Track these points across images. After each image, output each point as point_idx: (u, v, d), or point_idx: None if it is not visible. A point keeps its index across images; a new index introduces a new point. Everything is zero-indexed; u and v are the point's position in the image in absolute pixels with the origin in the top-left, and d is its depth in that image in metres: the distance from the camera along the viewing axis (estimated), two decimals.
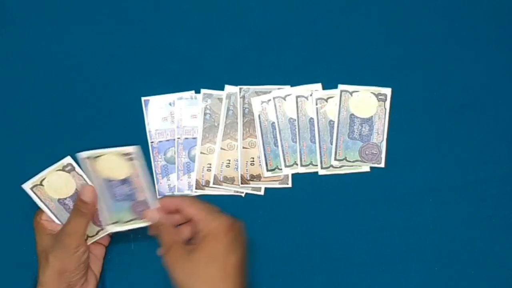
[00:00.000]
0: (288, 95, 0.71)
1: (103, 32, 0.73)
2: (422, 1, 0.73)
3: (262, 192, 0.71)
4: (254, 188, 0.71)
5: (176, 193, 0.71)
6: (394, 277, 0.69)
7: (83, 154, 0.64)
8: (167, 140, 0.71)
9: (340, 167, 0.70)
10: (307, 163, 0.71)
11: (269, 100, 0.71)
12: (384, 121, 0.70)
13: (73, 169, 0.66)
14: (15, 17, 0.74)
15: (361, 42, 0.72)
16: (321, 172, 0.70)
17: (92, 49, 0.73)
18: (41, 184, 0.65)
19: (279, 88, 0.71)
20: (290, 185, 0.71)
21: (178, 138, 0.71)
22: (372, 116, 0.70)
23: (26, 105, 0.73)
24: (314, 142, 0.71)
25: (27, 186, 0.65)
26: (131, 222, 0.66)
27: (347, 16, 0.73)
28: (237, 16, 0.73)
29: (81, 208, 0.64)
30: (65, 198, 0.66)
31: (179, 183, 0.71)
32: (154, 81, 0.72)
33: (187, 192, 0.71)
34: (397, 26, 0.72)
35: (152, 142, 0.71)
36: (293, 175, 0.71)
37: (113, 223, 0.66)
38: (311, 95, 0.71)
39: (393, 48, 0.72)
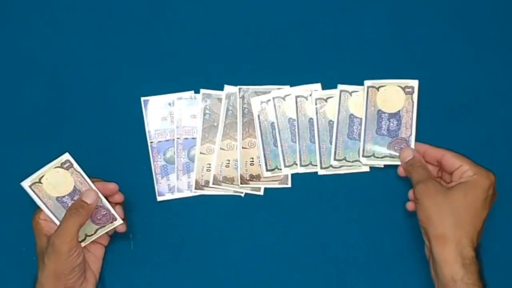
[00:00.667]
0: (288, 95, 0.71)
1: (103, 32, 0.73)
2: (422, 1, 0.72)
3: (261, 192, 0.71)
4: (253, 188, 0.71)
5: (175, 193, 0.71)
6: (394, 277, 0.69)
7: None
8: (167, 140, 0.71)
9: (340, 167, 0.70)
10: (307, 163, 0.70)
11: (269, 100, 0.71)
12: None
13: (71, 166, 0.66)
14: (15, 17, 0.74)
15: (361, 42, 0.72)
16: (321, 172, 0.70)
17: (92, 49, 0.73)
18: (39, 182, 0.65)
19: (278, 88, 0.71)
20: (289, 185, 0.71)
21: (178, 138, 0.71)
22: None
23: (26, 105, 0.73)
24: (314, 142, 0.70)
25: (26, 184, 0.65)
26: (385, 158, 0.68)
27: (347, 16, 0.72)
28: (237, 16, 0.73)
29: (80, 208, 0.64)
30: (64, 196, 0.66)
31: (178, 183, 0.71)
32: (153, 81, 0.72)
33: (186, 192, 0.71)
34: (397, 26, 0.72)
35: (151, 142, 0.71)
36: (292, 175, 0.71)
37: (367, 156, 0.68)
38: (310, 95, 0.71)
39: (393, 48, 0.72)
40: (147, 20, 0.73)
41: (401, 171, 0.68)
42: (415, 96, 0.70)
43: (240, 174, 0.70)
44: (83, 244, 0.65)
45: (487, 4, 0.72)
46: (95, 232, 0.66)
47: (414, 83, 0.70)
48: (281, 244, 0.70)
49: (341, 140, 0.70)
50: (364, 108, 0.70)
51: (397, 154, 0.69)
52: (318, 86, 0.71)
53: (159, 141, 0.71)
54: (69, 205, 0.65)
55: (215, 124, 0.71)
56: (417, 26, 0.72)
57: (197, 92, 0.72)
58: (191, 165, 0.71)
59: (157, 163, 0.71)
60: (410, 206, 0.68)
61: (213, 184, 0.71)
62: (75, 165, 0.66)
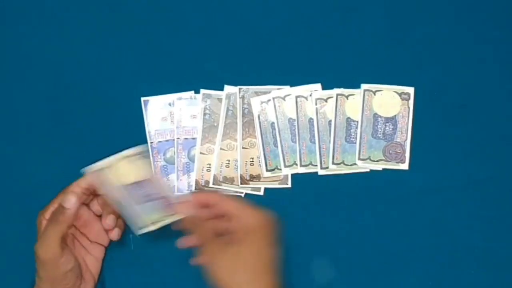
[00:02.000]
0: (288, 95, 0.71)
1: (103, 32, 0.73)
2: (421, 1, 0.72)
3: (261, 192, 0.71)
4: (253, 188, 0.71)
5: (175, 193, 0.71)
6: (394, 277, 0.69)
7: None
8: (167, 140, 0.71)
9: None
10: (307, 163, 0.70)
11: (269, 100, 0.71)
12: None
13: (143, 156, 0.66)
14: (15, 17, 0.74)
15: (360, 42, 0.72)
16: (321, 172, 0.70)
17: (91, 49, 0.73)
18: (105, 169, 0.64)
19: (278, 88, 0.71)
20: (289, 185, 0.71)
21: (178, 138, 0.71)
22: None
23: (26, 105, 0.73)
24: (314, 142, 0.70)
25: (91, 170, 0.64)
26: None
27: (347, 16, 0.72)
28: (237, 16, 0.73)
29: (59, 215, 0.62)
30: (129, 185, 0.65)
31: (178, 183, 0.71)
32: (153, 81, 0.72)
33: (186, 192, 0.71)
34: (397, 26, 0.72)
35: (151, 143, 0.71)
36: (292, 175, 0.71)
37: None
38: (310, 95, 0.71)
39: (393, 48, 0.72)
40: (147, 20, 0.73)
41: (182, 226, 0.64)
42: (411, 102, 0.70)
43: (240, 174, 0.70)
44: (153, 228, 0.64)
45: (486, 5, 0.72)
46: (160, 220, 0.65)
47: (410, 89, 0.70)
48: (281, 244, 0.70)
49: (339, 144, 0.70)
50: (360, 112, 0.70)
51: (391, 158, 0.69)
52: (318, 86, 0.71)
53: (159, 141, 0.71)
54: (135, 196, 0.63)
55: (215, 124, 0.71)
56: (417, 26, 0.72)
57: (197, 92, 0.72)
58: (191, 165, 0.71)
59: (157, 163, 0.71)
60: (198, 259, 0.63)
61: (213, 184, 0.71)
62: (145, 156, 0.66)
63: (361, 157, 0.70)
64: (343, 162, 0.70)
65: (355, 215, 0.70)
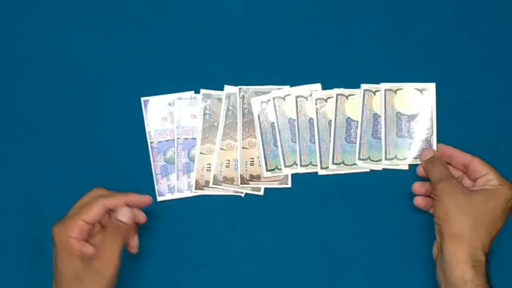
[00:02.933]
0: (288, 95, 0.71)
1: (103, 32, 0.73)
2: (421, 1, 0.72)
3: (261, 192, 0.71)
4: (253, 188, 0.71)
5: (175, 193, 0.71)
6: (394, 277, 0.69)
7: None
8: (167, 140, 0.71)
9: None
10: (307, 163, 0.70)
11: (269, 100, 0.71)
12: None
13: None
14: (15, 17, 0.74)
15: (360, 42, 0.72)
16: (321, 172, 0.70)
17: (91, 49, 0.73)
18: None
19: (278, 88, 0.71)
20: (289, 185, 0.71)
21: (178, 138, 0.71)
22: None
23: (26, 105, 0.73)
24: (314, 142, 0.71)
25: None
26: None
27: (346, 16, 0.72)
28: (237, 16, 0.73)
29: (118, 229, 0.61)
30: None
31: (178, 183, 0.71)
32: (153, 81, 0.72)
33: (186, 192, 0.71)
34: (397, 26, 0.72)
35: (151, 142, 0.71)
36: (292, 175, 0.71)
37: (363, 159, 0.68)
38: (310, 95, 0.71)
39: (394, 48, 0.72)
40: (147, 20, 0.73)
41: (420, 171, 0.68)
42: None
43: (240, 174, 0.70)
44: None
45: (487, 3, 0.72)
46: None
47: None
48: (281, 244, 0.71)
49: (339, 144, 0.70)
50: (360, 111, 0.70)
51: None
52: (318, 86, 0.71)
53: (159, 141, 0.71)
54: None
55: (215, 124, 0.71)
56: (417, 26, 0.72)
57: (197, 92, 0.72)
58: (191, 165, 0.71)
59: (157, 163, 0.71)
60: (419, 201, 0.68)
61: (213, 184, 0.71)
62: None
63: (361, 157, 0.70)
64: (343, 162, 0.70)
65: (355, 215, 0.70)
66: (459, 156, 0.67)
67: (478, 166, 0.65)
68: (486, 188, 0.63)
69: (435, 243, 0.64)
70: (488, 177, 0.63)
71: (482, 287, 0.58)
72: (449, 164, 0.68)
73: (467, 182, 0.66)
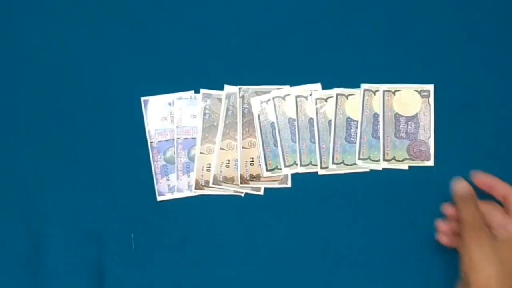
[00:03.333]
0: (288, 95, 0.71)
1: (103, 32, 0.73)
2: (421, 2, 0.72)
3: (261, 192, 0.71)
4: (253, 188, 0.71)
5: (175, 193, 0.71)
6: (394, 277, 0.69)
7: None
8: (167, 140, 0.71)
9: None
10: (307, 163, 0.70)
11: (269, 100, 0.71)
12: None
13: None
14: (15, 17, 0.74)
15: (360, 42, 0.72)
16: (321, 172, 0.70)
17: (91, 49, 0.73)
18: None
19: (278, 88, 0.71)
20: (289, 185, 0.71)
21: (178, 138, 0.71)
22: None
23: (26, 105, 0.73)
24: (314, 142, 0.70)
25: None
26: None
27: (346, 16, 0.72)
28: (237, 16, 0.73)
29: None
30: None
31: (178, 183, 0.71)
32: (153, 81, 0.72)
33: (186, 192, 0.71)
34: (397, 26, 0.72)
35: (151, 142, 0.71)
36: (292, 175, 0.71)
37: (363, 159, 0.67)
38: (310, 95, 0.71)
39: (393, 48, 0.72)
40: (147, 20, 0.73)
41: (447, 210, 0.65)
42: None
43: (240, 174, 0.70)
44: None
45: (487, 4, 0.72)
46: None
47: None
48: (281, 244, 0.70)
49: (339, 144, 0.70)
50: (360, 111, 0.70)
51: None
52: (318, 86, 0.71)
53: (159, 141, 0.71)
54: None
55: (215, 124, 0.71)
56: (417, 27, 0.72)
57: (197, 92, 0.72)
58: (191, 165, 0.71)
59: (157, 163, 0.71)
60: (444, 239, 0.66)
61: (213, 184, 0.71)
62: None
63: (361, 157, 0.70)
64: (343, 162, 0.70)
65: (355, 215, 0.70)
66: (500, 187, 0.64)
67: None
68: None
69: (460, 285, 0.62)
70: None
71: None
72: (489, 193, 0.65)
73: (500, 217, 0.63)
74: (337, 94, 0.71)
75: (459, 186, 0.64)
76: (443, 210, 0.66)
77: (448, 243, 0.66)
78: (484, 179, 0.65)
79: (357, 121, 0.70)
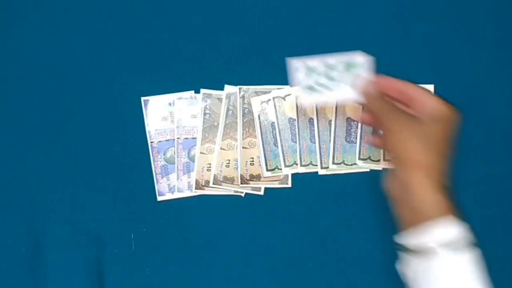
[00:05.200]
0: (288, 95, 0.71)
1: (103, 32, 0.73)
2: (420, 2, 0.72)
3: (261, 192, 0.71)
4: (253, 188, 0.71)
5: (175, 193, 0.71)
6: (394, 277, 0.69)
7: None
8: (167, 140, 0.71)
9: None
10: (307, 163, 0.71)
11: (269, 100, 0.71)
12: None
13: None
14: (15, 17, 0.74)
15: (360, 42, 0.72)
16: (321, 172, 0.70)
17: (91, 49, 0.73)
18: None
19: (278, 88, 0.71)
20: (289, 185, 0.71)
21: (178, 138, 0.71)
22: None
23: (26, 105, 0.73)
24: (314, 142, 0.71)
25: None
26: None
27: (347, 16, 0.72)
28: (237, 16, 0.73)
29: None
30: None
31: (179, 183, 0.71)
32: (153, 81, 0.72)
33: (186, 192, 0.71)
34: (397, 27, 0.72)
35: (151, 142, 0.71)
36: (293, 175, 0.71)
37: (364, 159, 0.68)
38: None
39: (394, 48, 0.72)
40: (147, 20, 0.73)
41: (364, 119, 0.66)
42: None
43: (240, 174, 0.70)
44: None
45: (487, 4, 0.72)
46: None
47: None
48: (281, 244, 0.71)
49: (339, 144, 0.70)
50: (360, 111, 0.70)
51: None
52: None
53: (159, 141, 0.71)
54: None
55: (215, 124, 0.71)
56: (417, 26, 0.72)
57: (197, 92, 0.72)
58: (191, 165, 0.71)
59: (157, 163, 0.71)
60: (373, 140, 0.67)
61: (213, 184, 0.71)
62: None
63: (361, 157, 0.70)
64: (343, 162, 0.70)
65: (355, 215, 0.70)
66: (395, 84, 0.63)
67: (416, 91, 0.61)
68: (433, 113, 0.60)
69: (387, 179, 0.62)
70: (430, 101, 0.60)
71: (448, 210, 0.55)
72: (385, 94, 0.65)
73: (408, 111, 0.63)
74: None
75: (365, 86, 0.64)
76: (360, 121, 0.67)
77: (369, 122, 0.66)
78: (382, 82, 0.64)
79: (357, 121, 0.70)
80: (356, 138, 0.70)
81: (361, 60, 0.65)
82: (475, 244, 0.56)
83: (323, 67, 0.65)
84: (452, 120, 0.59)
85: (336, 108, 0.70)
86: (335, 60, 0.65)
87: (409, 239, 0.57)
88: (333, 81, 0.65)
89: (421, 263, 0.56)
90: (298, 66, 0.65)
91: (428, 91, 0.62)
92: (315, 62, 0.65)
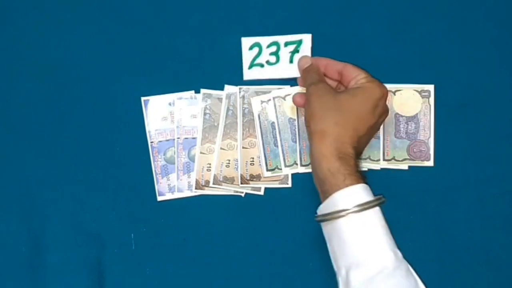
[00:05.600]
0: (288, 95, 0.71)
1: (103, 32, 0.73)
2: (420, 2, 0.72)
3: (262, 192, 0.71)
4: (254, 188, 0.71)
5: (175, 193, 0.71)
6: None
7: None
8: (167, 140, 0.71)
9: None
10: (307, 163, 0.70)
11: (269, 100, 0.71)
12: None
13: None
14: (14, 17, 0.74)
15: (361, 42, 0.72)
16: None
17: (92, 49, 0.73)
18: None
19: (278, 88, 0.71)
20: (290, 185, 0.71)
21: (178, 138, 0.71)
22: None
23: (26, 105, 0.73)
24: None
25: None
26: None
27: (347, 16, 0.72)
28: (237, 16, 0.73)
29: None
30: None
31: (179, 183, 0.71)
32: (154, 81, 0.72)
33: (186, 192, 0.71)
34: (397, 27, 0.72)
35: (152, 142, 0.71)
36: (293, 175, 0.71)
37: (363, 159, 0.69)
38: None
39: (394, 48, 0.72)
40: (147, 20, 0.73)
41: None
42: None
43: (240, 174, 0.71)
44: None
45: (487, 4, 0.72)
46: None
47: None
48: (281, 244, 0.71)
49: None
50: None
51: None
52: None
53: (159, 141, 0.71)
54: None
55: (216, 124, 0.71)
56: (417, 26, 0.72)
57: (197, 92, 0.72)
58: (191, 165, 0.71)
59: (157, 163, 0.71)
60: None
61: (213, 184, 0.71)
62: None
63: (361, 157, 0.70)
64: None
65: None
66: (333, 65, 0.67)
67: (350, 69, 0.65)
68: (354, 87, 0.63)
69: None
70: (358, 77, 0.64)
71: (350, 175, 0.58)
72: (325, 75, 0.68)
73: (342, 89, 0.67)
74: None
75: (302, 61, 0.69)
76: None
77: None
78: (319, 61, 0.68)
79: None
80: None
81: (301, 38, 0.69)
82: (376, 202, 0.57)
83: (270, 45, 0.69)
84: (373, 94, 0.62)
85: None
86: (280, 39, 0.70)
87: (321, 210, 0.60)
88: (277, 58, 0.69)
89: (330, 223, 0.58)
90: (248, 44, 0.70)
91: (361, 69, 0.65)
92: (263, 40, 0.70)
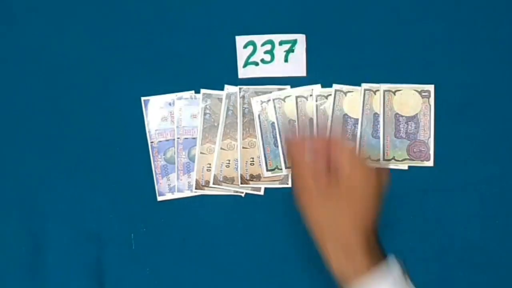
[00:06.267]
0: (288, 96, 0.71)
1: (103, 32, 0.73)
2: (421, 2, 0.72)
3: (262, 192, 0.71)
4: (254, 188, 0.71)
5: (176, 193, 0.71)
6: None
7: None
8: (167, 140, 0.71)
9: None
10: None
11: (269, 100, 0.71)
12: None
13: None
14: (15, 17, 0.74)
15: (361, 42, 0.72)
16: None
17: (91, 49, 0.73)
18: None
19: (279, 89, 0.71)
20: (290, 185, 0.71)
21: (178, 138, 0.71)
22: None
23: (26, 105, 0.73)
24: None
25: None
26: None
27: (347, 16, 0.72)
28: (237, 16, 0.73)
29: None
30: None
31: (179, 183, 0.71)
32: (154, 81, 0.72)
33: (186, 192, 0.71)
34: (397, 26, 0.72)
35: (151, 142, 0.71)
36: None
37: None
38: (311, 95, 0.71)
39: (394, 48, 0.72)
40: (147, 20, 0.73)
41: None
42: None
43: (240, 174, 0.71)
44: None
45: (487, 4, 0.72)
46: None
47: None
48: (281, 244, 0.71)
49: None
50: (360, 110, 0.70)
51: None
52: (318, 87, 0.71)
53: (159, 141, 0.71)
54: None
55: (215, 124, 0.71)
56: (417, 26, 0.72)
57: (197, 92, 0.72)
58: (191, 165, 0.71)
59: (157, 163, 0.71)
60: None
61: (213, 184, 0.71)
62: None
63: None
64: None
65: None
66: (323, 145, 0.57)
67: (338, 155, 0.56)
68: (348, 178, 0.56)
69: None
70: (346, 171, 0.56)
71: (365, 266, 0.56)
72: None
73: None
74: (336, 91, 0.70)
75: (289, 147, 0.59)
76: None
77: None
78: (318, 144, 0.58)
79: (355, 119, 0.70)
80: (356, 137, 0.70)
81: (296, 38, 0.69)
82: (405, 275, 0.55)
83: (264, 43, 0.69)
84: (373, 188, 0.56)
85: (334, 104, 0.70)
86: (274, 37, 0.70)
87: None
88: (272, 56, 0.69)
89: None
90: (243, 42, 0.69)
91: (353, 155, 0.57)
92: (258, 38, 0.70)
